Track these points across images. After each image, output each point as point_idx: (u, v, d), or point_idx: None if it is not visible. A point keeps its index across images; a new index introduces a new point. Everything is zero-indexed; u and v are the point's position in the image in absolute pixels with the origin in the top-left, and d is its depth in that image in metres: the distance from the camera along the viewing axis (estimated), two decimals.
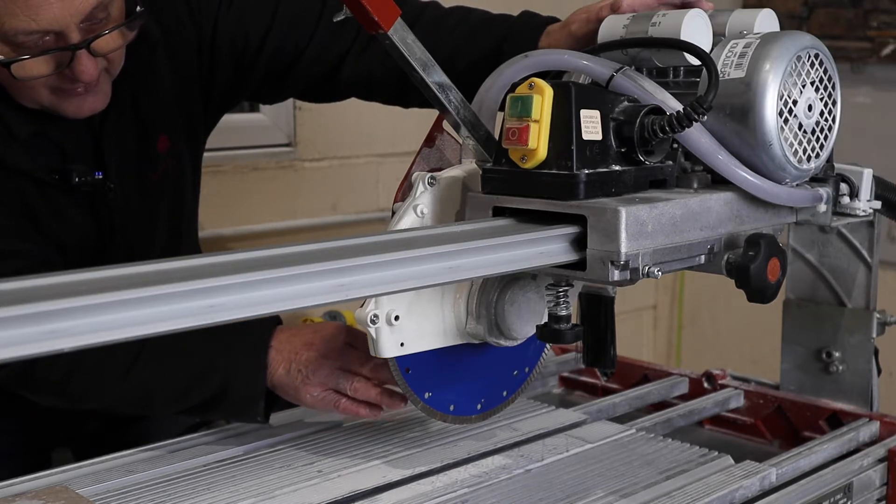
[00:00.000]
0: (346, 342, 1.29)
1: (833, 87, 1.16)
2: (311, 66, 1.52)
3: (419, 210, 1.14)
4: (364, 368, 1.27)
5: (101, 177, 1.42)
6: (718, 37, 1.17)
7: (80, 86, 1.31)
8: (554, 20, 1.39)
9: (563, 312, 1.09)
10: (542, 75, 1.08)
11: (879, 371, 1.56)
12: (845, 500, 1.34)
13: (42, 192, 1.39)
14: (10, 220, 1.37)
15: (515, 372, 1.33)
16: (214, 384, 1.30)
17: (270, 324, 1.33)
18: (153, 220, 1.52)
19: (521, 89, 1.05)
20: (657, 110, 1.07)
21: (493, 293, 1.19)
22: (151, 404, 1.35)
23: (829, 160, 1.20)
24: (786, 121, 1.10)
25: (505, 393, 1.33)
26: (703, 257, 1.09)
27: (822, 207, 1.20)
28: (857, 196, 1.25)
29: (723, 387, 1.65)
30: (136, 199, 1.48)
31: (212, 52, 1.52)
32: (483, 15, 1.48)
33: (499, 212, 1.07)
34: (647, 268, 1.02)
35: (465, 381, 1.27)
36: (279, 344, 1.30)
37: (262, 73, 1.54)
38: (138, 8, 1.33)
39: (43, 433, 1.53)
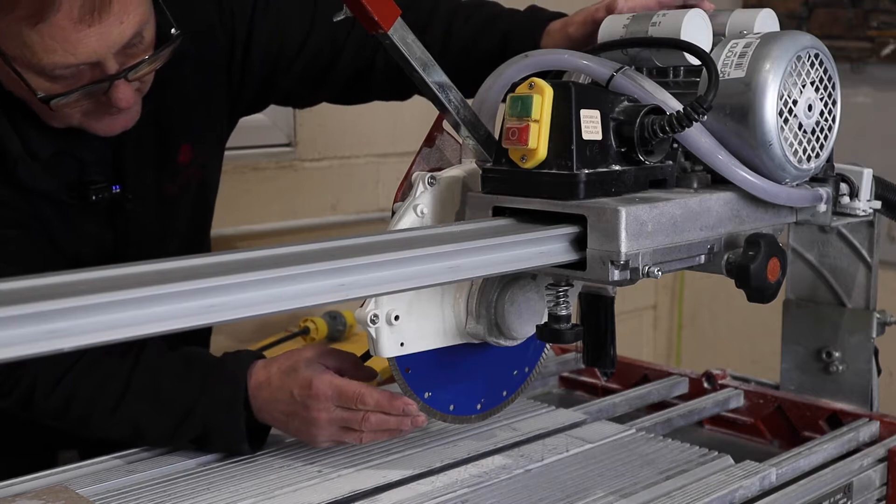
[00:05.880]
0: (327, 392, 1.24)
1: (833, 87, 1.16)
2: (348, 66, 1.50)
3: (419, 210, 1.14)
4: (360, 404, 1.24)
5: (118, 190, 1.41)
6: (718, 37, 1.17)
7: (115, 109, 1.30)
8: (560, 15, 1.39)
9: (563, 312, 1.09)
10: (543, 75, 1.08)
11: (879, 371, 1.56)
12: (845, 500, 1.34)
13: (59, 209, 1.38)
14: (31, 249, 1.36)
15: (515, 372, 1.33)
16: (197, 429, 1.30)
17: (246, 362, 1.31)
18: (168, 231, 1.50)
19: (521, 89, 1.05)
20: (657, 110, 1.07)
21: (493, 293, 1.19)
22: (143, 441, 1.34)
23: (829, 160, 1.20)
24: (786, 121, 1.10)
25: (505, 393, 1.33)
26: (703, 257, 1.09)
27: (822, 207, 1.20)
28: (857, 196, 1.25)
29: (723, 387, 1.65)
30: (153, 211, 1.46)
31: (244, 57, 1.49)
32: (492, 9, 1.48)
33: (499, 212, 1.07)
34: (647, 268, 1.02)
35: (464, 381, 1.27)
36: (258, 392, 1.28)
37: (297, 76, 1.51)
38: (173, 30, 1.31)
39: (51, 435, 1.53)
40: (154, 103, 1.39)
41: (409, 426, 1.25)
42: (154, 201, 1.46)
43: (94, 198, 1.38)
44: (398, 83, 1.50)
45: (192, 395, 1.30)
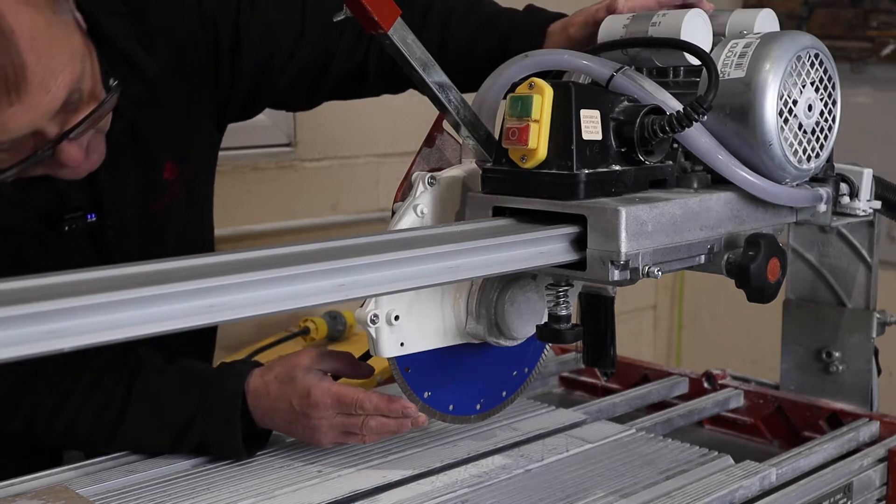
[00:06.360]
0: (323, 402, 1.24)
1: (833, 87, 1.16)
2: (340, 70, 1.47)
3: (419, 210, 1.14)
4: (359, 409, 1.24)
5: (93, 219, 1.34)
6: (718, 37, 1.17)
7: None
8: (560, 16, 1.39)
9: (563, 312, 1.09)
10: (543, 75, 1.08)
11: (879, 371, 1.56)
12: (845, 500, 1.34)
13: (37, 241, 1.33)
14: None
15: (515, 372, 1.33)
16: (196, 440, 1.30)
17: (243, 373, 1.30)
18: (157, 250, 1.43)
19: (521, 89, 1.05)
20: (657, 110, 1.07)
21: (493, 293, 1.19)
22: (143, 454, 1.34)
23: (829, 160, 1.20)
24: (786, 121, 1.10)
25: (504, 393, 1.33)
26: (703, 257, 1.09)
27: (822, 207, 1.20)
28: (857, 196, 1.25)
29: (723, 387, 1.65)
30: (138, 233, 1.40)
31: (232, 63, 1.43)
32: (491, 9, 1.47)
33: (499, 212, 1.07)
34: (647, 268, 1.02)
35: (464, 380, 1.27)
36: (257, 401, 1.28)
37: (289, 84, 1.47)
38: (112, 81, 1.20)
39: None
40: (130, 124, 1.33)
41: (410, 427, 1.25)
42: (138, 223, 1.40)
43: (66, 228, 1.32)
44: (391, 80, 1.49)
45: (189, 410, 1.30)
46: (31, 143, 1.16)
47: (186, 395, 1.31)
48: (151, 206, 1.41)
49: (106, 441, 1.33)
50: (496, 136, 1.09)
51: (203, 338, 1.59)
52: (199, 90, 1.43)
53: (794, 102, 1.11)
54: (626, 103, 1.08)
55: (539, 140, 1.03)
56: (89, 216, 1.34)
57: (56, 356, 1.28)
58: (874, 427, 1.49)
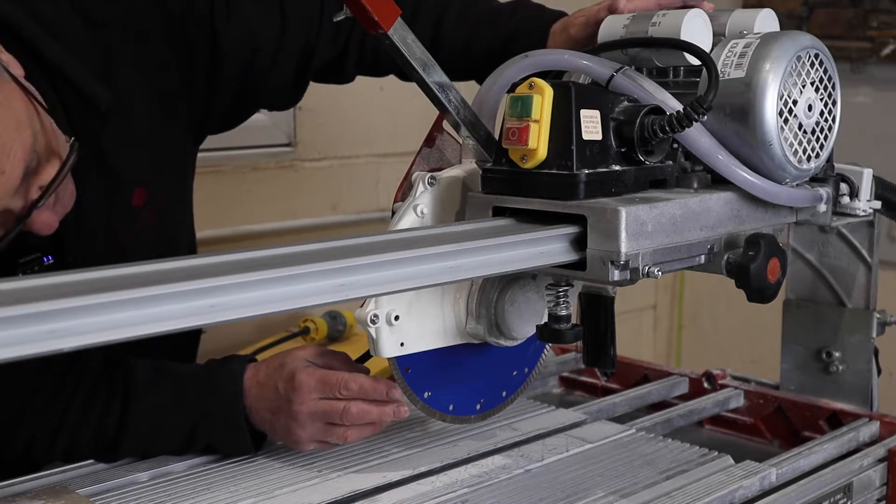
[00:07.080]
0: (314, 387, 1.23)
1: (833, 87, 1.16)
2: (322, 59, 1.46)
3: (419, 210, 1.15)
4: (344, 390, 1.22)
5: (50, 261, 1.25)
6: (718, 37, 1.17)
7: None
8: (561, 15, 1.39)
9: (563, 312, 1.09)
10: (543, 75, 1.08)
11: (879, 371, 1.56)
12: (845, 500, 1.34)
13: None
14: None
15: (515, 372, 1.33)
16: (201, 445, 1.29)
17: (239, 373, 1.28)
18: None
19: (522, 89, 1.05)
20: (657, 110, 1.07)
21: (493, 293, 1.19)
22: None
23: (829, 160, 1.20)
24: (786, 121, 1.10)
25: (504, 393, 1.33)
26: (703, 257, 1.09)
27: (822, 207, 1.20)
28: (857, 196, 1.25)
29: (723, 387, 1.65)
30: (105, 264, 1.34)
31: (212, 71, 1.38)
32: (487, 6, 1.46)
33: (499, 212, 1.07)
34: (647, 268, 1.02)
35: (464, 380, 1.27)
36: (249, 394, 1.27)
37: (279, 80, 1.44)
38: (70, 139, 1.15)
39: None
40: (93, 154, 1.27)
41: (391, 416, 1.23)
42: (106, 256, 1.32)
43: (20, 274, 1.21)
44: (371, 68, 1.49)
45: (190, 418, 1.28)
46: (1, 222, 1.12)
47: (185, 403, 1.29)
48: (120, 236, 1.35)
49: (107, 458, 1.30)
50: (496, 136, 1.09)
51: (187, 342, 1.55)
52: (170, 110, 1.38)
53: (794, 102, 1.11)
54: (626, 103, 1.08)
55: (539, 140, 1.03)
56: (46, 259, 1.26)
57: (45, 384, 1.27)
58: (874, 427, 1.49)
